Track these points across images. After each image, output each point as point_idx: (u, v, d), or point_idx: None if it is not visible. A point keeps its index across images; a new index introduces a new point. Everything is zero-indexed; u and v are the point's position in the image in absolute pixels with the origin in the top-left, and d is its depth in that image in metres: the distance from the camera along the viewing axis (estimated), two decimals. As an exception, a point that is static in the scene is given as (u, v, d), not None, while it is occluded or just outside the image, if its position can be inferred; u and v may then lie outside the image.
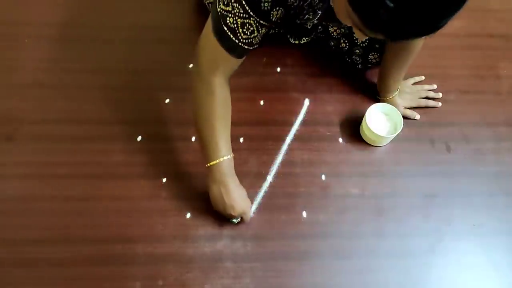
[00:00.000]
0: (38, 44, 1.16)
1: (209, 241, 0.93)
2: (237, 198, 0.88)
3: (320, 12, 0.88)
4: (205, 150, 0.86)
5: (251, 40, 0.77)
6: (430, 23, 0.55)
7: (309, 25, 1.10)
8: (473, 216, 1.00)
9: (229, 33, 0.75)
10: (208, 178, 0.88)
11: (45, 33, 1.17)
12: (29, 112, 1.05)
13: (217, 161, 0.85)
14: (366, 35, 0.63)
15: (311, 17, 0.89)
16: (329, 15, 0.79)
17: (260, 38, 0.79)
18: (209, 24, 0.78)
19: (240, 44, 0.77)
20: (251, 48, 0.79)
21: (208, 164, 0.86)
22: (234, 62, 0.81)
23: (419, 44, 0.96)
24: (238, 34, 0.75)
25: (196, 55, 0.83)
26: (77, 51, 1.16)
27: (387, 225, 0.98)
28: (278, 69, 1.17)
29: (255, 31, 0.75)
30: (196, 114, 0.86)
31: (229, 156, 0.86)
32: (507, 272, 0.95)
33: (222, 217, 0.93)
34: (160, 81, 1.12)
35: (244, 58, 0.82)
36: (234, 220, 0.93)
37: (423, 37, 0.61)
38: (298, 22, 0.92)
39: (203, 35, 0.81)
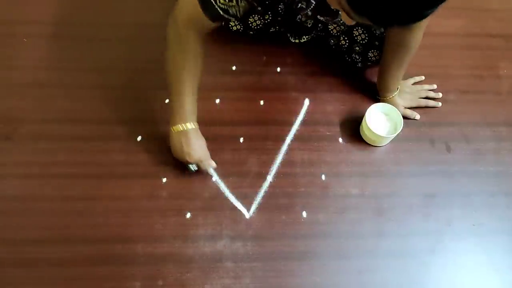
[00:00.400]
0: (37, 43, 1.16)
1: (209, 241, 0.93)
2: (196, 147, 0.93)
3: (314, 2, 0.88)
4: (171, 108, 0.91)
5: (227, 8, 0.77)
6: (416, 11, 0.56)
7: (309, 24, 1.10)
8: (473, 216, 1.00)
9: None
10: (170, 126, 0.92)
11: (44, 32, 1.17)
12: (28, 112, 1.05)
13: (181, 129, 0.91)
14: (353, 19, 0.64)
15: (304, 6, 0.89)
16: (323, 7, 0.79)
17: (238, 11, 0.79)
18: None
19: (215, 7, 0.77)
20: (225, 16, 0.79)
21: (172, 128, 0.91)
22: (207, 23, 0.81)
23: (417, 40, 0.95)
24: None
25: (175, 11, 0.84)
26: (76, 50, 1.16)
27: (387, 225, 0.98)
28: (278, 69, 1.17)
29: (234, 1, 0.76)
30: (167, 62, 0.88)
31: (193, 126, 0.92)
32: (507, 272, 0.95)
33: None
34: (160, 81, 1.11)
35: (218, 23, 0.81)
36: (191, 167, 0.96)
37: (408, 24, 0.63)
38: (296, 18, 0.92)
39: None
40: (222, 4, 0.76)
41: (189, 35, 0.83)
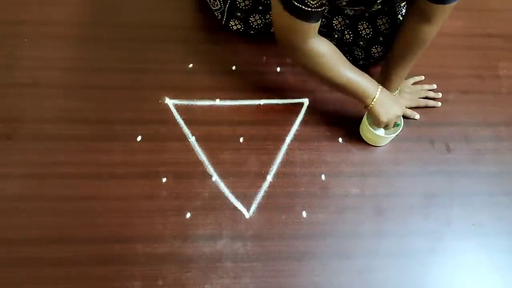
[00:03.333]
0: (37, 43, 1.16)
1: (209, 241, 0.93)
2: (395, 100, 0.99)
3: None
4: (359, 98, 0.95)
5: (320, 2, 0.79)
6: None
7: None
8: (473, 216, 1.00)
9: (299, 5, 0.78)
10: (369, 105, 0.95)
11: (44, 32, 1.17)
12: (28, 112, 1.05)
13: (378, 95, 0.94)
14: None
15: None
16: None
17: None
18: (275, 6, 0.81)
19: (313, 10, 0.79)
20: (323, 8, 0.81)
21: (371, 105, 0.94)
22: (315, 26, 0.85)
23: (433, 35, 0.94)
24: (307, 2, 0.77)
25: (282, 37, 0.89)
26: (76, 50, 1.16)
27: (387, 225, 0.98)
28: (278, 69, 1.17)
29: None
30: (323, 78, 0.93)
31: (380, 86, 0.95)
32: (507, 272, 0.95)
33: (222, 217, 0.94)
34: (161, 81, 1.12)
35: (315, 21, 0.84)
36: (398, 122, 1.02)
37: None
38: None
39: (277, 17, 0.85)
40: (314, 4, 0.78)
41: (312, 43, 0.87)
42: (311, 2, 0.78)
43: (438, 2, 0.84)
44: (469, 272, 0.94)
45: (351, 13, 1.02)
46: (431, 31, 0.92)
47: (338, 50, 0.92)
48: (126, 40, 1.18)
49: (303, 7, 0.78)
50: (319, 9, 0.80)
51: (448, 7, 0.86)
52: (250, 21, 1.13)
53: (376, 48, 1.09)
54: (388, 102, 0.96)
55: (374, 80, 0.96)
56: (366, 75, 0.95)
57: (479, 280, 0.94)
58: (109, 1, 1.25)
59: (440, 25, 0.92)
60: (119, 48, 1.16)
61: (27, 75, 1.10)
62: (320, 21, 0.85)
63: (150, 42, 1.18)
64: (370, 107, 0.95)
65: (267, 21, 1.12)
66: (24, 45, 1.15)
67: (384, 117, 0.96)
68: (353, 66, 0.94)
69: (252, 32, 1.16)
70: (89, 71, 1.12)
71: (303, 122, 1.09)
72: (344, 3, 0.90)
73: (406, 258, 0.94)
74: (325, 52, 0.89)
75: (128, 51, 1.16)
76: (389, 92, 0.98)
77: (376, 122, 0.99)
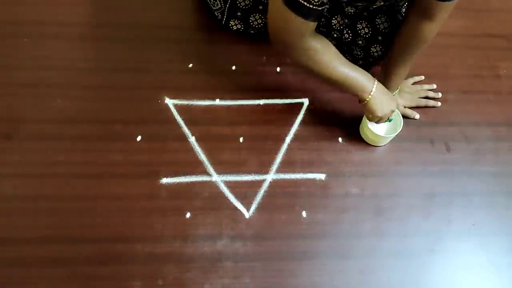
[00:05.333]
0: (37, 43, 1.16)
1: (209, 240, 0.93)
2: (391, 95, 0.99)
3: None
4: (355, 91, 0.94)
5: (321, 0, 0.78)
6: None
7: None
8: (472, 216, 1.00)
9: (301, 1, 0.76)
10: (365, 99, 0.94)
11: (43, 32, 1.17)
12: (28, 111, 1.05)
13: (374, 90, 0.93)
14: None
15: None
16: None
17: None
18: (274, 2, 0.80)
19: (314, 7, 0.78)
20: (323, 7, 0.80)
21: (366, 100, 0.94)
22: (313, 25, 0.84)
23: (434, 33, 0.94)
24: None
25: (278, 36, 0.87)
26: (76, 50, 1.16)
27: (387, 225, 0.98)
28: (278, 69, 1.17)
29: None
30: (320, 75, 0.92)
31: (376, 81, 0.94)
32: (507, 272, 0.95)
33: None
34: (160, 81, 1.12)
35: (313, 19, 0.83)
36: (392, 117, 1.02)
37: None
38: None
39: (274, 14, 0.84)
40: (316, 1, 0.77)
41: (309, 41, 0.86)
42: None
43: None
44: (469, 272, 0.94)
45: (351, 11, 1.02)
46: (432, 29, 0.92)
47: (333, 46, 0.92)
48: (126, 40, 1.18)
49: (305, 3, 0.77)
50: (320, 8, 0.79)
51: (450, 4, 0.85)
52: (250, 21, 1.13)
53: (375, 48, 1.09)
54: (384, 97, 0.96)
55: (369, 74, 0.95)
56: (361, 69, 0.94)
57: (479, 280, 0.94)
58: (109, 1, 1.25)
59: (441, 23, 0.92)
60: (119, 48, 1.16)
61: (27, 75, 1.10)
62: (317, 21, 0.85)
63: (150, 42, 1.18)
64: (366, 102, 0.95)
65: (267, 20, 1.12)
66: (24, 45, 1.15)
67: (379, 111, 0.96)
68: (348, 61, 0.93)
69: (252, 31, 1.16)
70: (89, 71, 1.12)
71: (303, 122, 1.09)
72: (345, 0, 0.90)
73: (406, 258, 0.94)
74: (320, 49, 0.89)
75: (128, 51, 1.16)
76: (383, 86, 0.98)
77: (370, 116, 0.98)
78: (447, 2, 0.85)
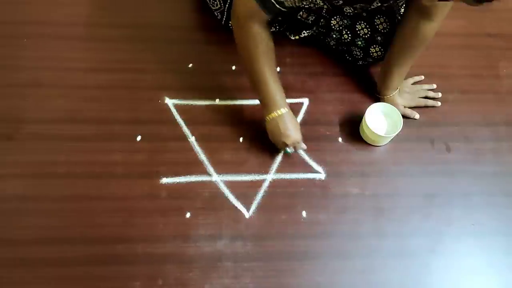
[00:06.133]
0: (38, 43, 1.16)
1: (209, 241, 0.93)
2: (293, 129, 0.96)
3: None
4: (261, 99, 0.95)
5: (283, 0, 0.79)
6: None
7: (310, 20, 1.09)
8: (472, 216, 1.00)
9: None
10: (265, 115, 0.95)
11: (44, 32, 1.17)
12: (29, 112, 1.05)
13: (277, 115, 0.94)
14: None
15: None
16: None
17: (293, 4, 0.82)
18: None
19: (272, 1, 0.80)
20: (282, 9, 0.82)
21: (267, 117, 0.94)
22: (266, 15, 0.85)
23: (433, 32, 0.94)
24: None
25: (233, 7, 0.88)
26: (76, 50, 1.16)
27: (387, 225, 0.98)
28: (278, 69, 1.17)
29: None
30: (243, 60, 0.93)
31: (286, 110, 0.94)
32: (506, 272, 0.95)
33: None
34: (160, 81, 1.12)
35: (275, 16, 0.85)
36: (288, 150, 0.98)
37: None
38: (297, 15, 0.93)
39: None
40: None
41: (250, 26, 0.87)
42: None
43: None
44: (468, 271, 0.94)
45: (350, 11, 1.02)
46: (431, 28, 0.92)
47: (274, 52, 0.92)
48: (126, 40, 1.18)
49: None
50: (278, 5, 0.81)
51: (450, 3, 0.85)
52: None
53: (374, 48, 1.09)
54: (283, 127, 0.95)
55: (286, 101, 0.95)
56: (283, 92, 0.95)
57: (479, 279, 0.94)
58: (109, 1, 1.25)
59: (440, 22, 0.92)
60: (119, 48, 1.16)
61: (27, 75, 1.10)
62: (272, 17, 0.86)
63: (150, 42, 1.18)
64: (265, 120, 0.96)
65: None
66: (24, 45, 1.15)
67: (271, 136, 0.98)
68: (277, 75, 0.94)
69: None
70: (89, 71, 1.12)
71: (303, 122, 1.09)
72: (341, 2, 0.90)
73: (406, 258, 0.94)
74: (262, 44, 0.89)
75: (128, 51, 1.16)
76: (292, 119, 0.96)
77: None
78: (447, 1, 0.85)
